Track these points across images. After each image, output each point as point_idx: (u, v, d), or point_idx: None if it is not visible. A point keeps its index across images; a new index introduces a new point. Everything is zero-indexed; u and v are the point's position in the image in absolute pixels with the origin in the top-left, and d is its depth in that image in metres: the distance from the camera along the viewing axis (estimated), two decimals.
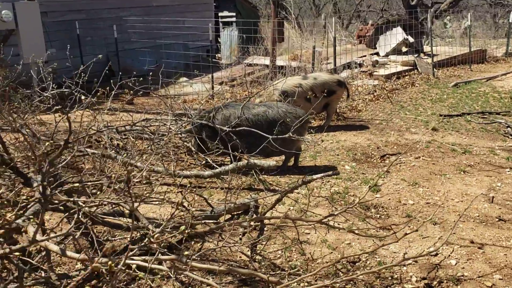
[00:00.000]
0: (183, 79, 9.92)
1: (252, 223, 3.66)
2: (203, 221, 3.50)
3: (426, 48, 12.71)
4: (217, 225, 3.34)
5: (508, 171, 5.32)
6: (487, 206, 4.48)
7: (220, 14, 16.15)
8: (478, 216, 4.30)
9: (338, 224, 4.05)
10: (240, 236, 3.77)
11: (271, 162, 4.68)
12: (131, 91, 5.79)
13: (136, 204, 2.87)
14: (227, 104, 5.35)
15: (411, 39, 11.89)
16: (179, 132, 5.25)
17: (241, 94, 8.72)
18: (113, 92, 4.35)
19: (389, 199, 4.64)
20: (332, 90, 6.97)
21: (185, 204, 3.92)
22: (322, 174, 3.96)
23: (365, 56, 11.62)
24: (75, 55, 10.39)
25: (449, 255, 3.65)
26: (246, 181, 4.96)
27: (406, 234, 3.32)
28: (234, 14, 16.03)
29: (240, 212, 4.26)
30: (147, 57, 10.66)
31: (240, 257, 3.61)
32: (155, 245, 2.80)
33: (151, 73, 6.41)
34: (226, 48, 14.58)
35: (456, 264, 3.56)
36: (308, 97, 6.78)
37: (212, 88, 8.82)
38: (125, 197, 3.19)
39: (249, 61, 11.10)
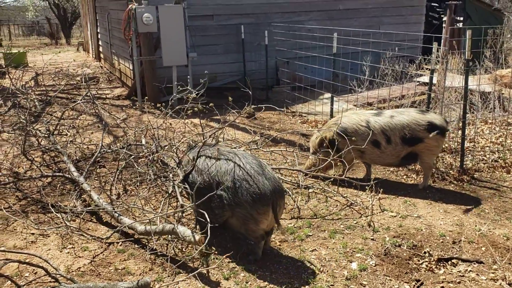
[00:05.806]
0: (327, 95, 8.55)
1: None
2: None
3: None
4: None
5: None
6: None
7: (444, 18, 13.52)
8: None
9: None
10: None
11: (193, 236, 3.33)
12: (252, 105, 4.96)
13: None
14: (195, 145, 4.08)
15: None
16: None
17: None
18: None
19: None
20: (417, 136, 4.75)
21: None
22: None
23: None
24: (237, 60, 10.17)
25: None
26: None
27: None
28: (461, 18, 13.19)
29: None
30: (324, 66, 9.33)
31: None
32: None
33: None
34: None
35: None
36: (376, 140, 4.81)
37: (331, 111, 7.26)
38: None
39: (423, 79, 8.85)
